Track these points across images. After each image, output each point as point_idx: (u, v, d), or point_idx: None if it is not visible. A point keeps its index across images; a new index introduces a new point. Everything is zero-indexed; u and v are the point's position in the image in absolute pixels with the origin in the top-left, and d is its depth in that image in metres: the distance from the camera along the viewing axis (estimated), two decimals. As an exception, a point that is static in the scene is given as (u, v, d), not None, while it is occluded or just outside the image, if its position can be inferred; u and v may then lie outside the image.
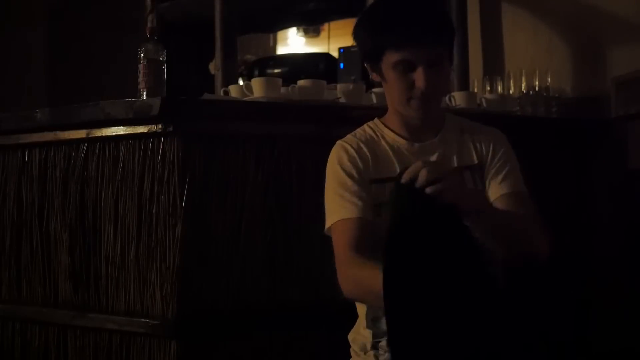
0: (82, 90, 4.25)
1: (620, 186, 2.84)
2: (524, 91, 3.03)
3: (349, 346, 1.92)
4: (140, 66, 2.35)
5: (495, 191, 1.89)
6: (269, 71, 4.58)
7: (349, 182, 1.85)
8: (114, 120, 2.25)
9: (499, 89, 3.07)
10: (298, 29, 5.96)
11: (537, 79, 3.04)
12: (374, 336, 1.85)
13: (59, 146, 2.43)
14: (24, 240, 2.51)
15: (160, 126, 2.18)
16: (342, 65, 4.38)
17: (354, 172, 1.87)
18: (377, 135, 1.94)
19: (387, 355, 1.80)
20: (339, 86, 2.58)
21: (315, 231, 2.27)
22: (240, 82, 3.88)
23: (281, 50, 6.14)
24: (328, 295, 2.26)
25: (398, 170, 1.83)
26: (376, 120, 1.99)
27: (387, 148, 1.91)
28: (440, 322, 1.54)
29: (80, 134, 2.36)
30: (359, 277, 1.74)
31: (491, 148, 1.94)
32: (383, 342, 1.82)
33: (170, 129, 2.17)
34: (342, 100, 2.50)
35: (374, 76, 1.94)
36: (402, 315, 1.56)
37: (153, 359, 2.20)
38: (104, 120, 2.26)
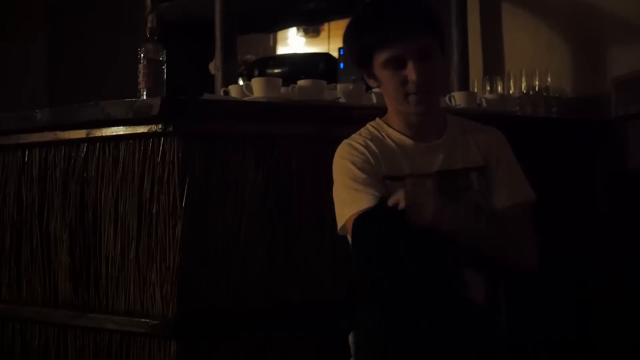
0: (82, 90, 4.25)
1: (620, 186, 2.84)
2: (524, 91, 3.03)
3: (349, 346, 1.92)
4: (140, 66, 2.35)
5: (500, 200, 1.90)
6: (269, 71, 4.58)
7: (362, 175, 1.84)
8: (114, 120, 2.25)
9: (499, 89, 3.06)
10: (298, 29, 5.97)
11: (537, 79, 3.03)
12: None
13: (59, 146, 2.43)
14: (24, 240, 2.51)
15: (160, 126, 2.18)
16: (342, 65, 4.38)
17: (366, 166, 1.86)
18: (381, 134, 1.94)
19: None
20: (339, 86, 2.58)
21: (315, 231, 2.28)
22: (240, 82, 3.87)
23: (281, 50, 6.14)
24: (328, 295, 2.26)
25: (407, 169, 1.85)
26: (378, 120, 1.99)
27: (394, 146, 1.91)
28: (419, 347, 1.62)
29: (80, 134, 2.36)
30: None
31: (495, 151, 1.94)
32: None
33: (170, 129, 2.17)
34: (342, 100, 2.50)
35: (370, 82, 1.95)
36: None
37: (153, 359, 2.20)
38: (104, 120, 2.26)
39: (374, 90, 2.53)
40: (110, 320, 2.28)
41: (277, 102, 2.37)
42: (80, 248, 2.37)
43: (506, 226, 1.85)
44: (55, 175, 2.44)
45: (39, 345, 2.46)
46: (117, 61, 4.17)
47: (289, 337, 2.27)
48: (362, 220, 1.75)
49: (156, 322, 2.18)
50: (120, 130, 2.27)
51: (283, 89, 2.45)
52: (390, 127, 1.95)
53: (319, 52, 5.34)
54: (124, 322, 2.25)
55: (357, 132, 1.96)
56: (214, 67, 3.70)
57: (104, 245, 2.32)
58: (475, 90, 3.15)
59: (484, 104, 2.76)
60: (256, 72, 4.55)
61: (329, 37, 5.82)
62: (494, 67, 3.43)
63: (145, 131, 2.21)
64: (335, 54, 4.74)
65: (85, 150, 2.36)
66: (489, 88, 3.08)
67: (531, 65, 3.09)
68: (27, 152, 2.51)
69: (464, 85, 3.35)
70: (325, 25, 5.81)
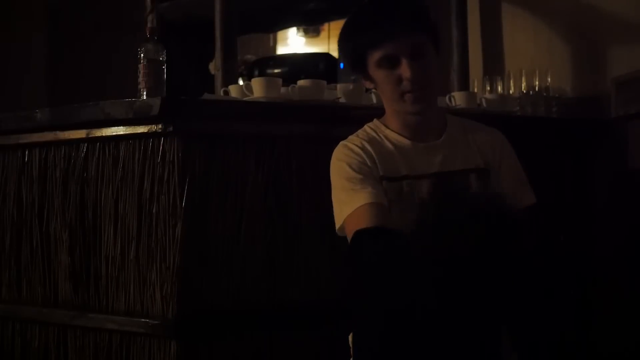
0: (82, 90, 4.25)
1: (620, 186, 2.84)
2: (524, 91, 3.03)
3: (349, 346, 1.92)
4: (140, 66, 2.35)
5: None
6: (269, 71, 4.58)
7: (358, 176, 1.83)
8: (114, 120, 2.25)
9: (499, 89, 3.07)
10: (298, 29, 5.97)
11: (537, 79, 3.03)
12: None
13: (59, 146, 2.43)
14: (24, 240, 2.51)
15: (160, 126, 2.18)
16: (342, 65, 4.37)
17: (362, 167, 1.86)
18: (379, 135, 1.94)
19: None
20: (339, 86, 2.58)
21: (315, 231, 2.28)
22: (240, 82, 3.88)
23: (281, 50, 6.14)
24: (328, 295, 2.26)
25: (404, 170, 1.84)
26: (376, 121, 1.99)
27: (392, 147, 1.91)
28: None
29: (80, 134, 2.36)
30: None
31: (497, 154, 1.94)
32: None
33: (170, 129, 2.17)
34: (342, 100, 2.50)
35: (366, 84, 1.96)
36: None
37: (153, 359, 2.20)
38: (104, 120, 2.26)
39: (374, 90, 2.53)
40: (110, 320, 2.28)
41: (277, 102, 2.37)
42: (80, 248, 2.37)
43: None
44: (55, 175, 2.44)
45: (39, 345, 2.46)
46: (117, 61, 4.17)
47: (289, 337, 2.27)
48: (363, 235, 1.71)
49: (156, 322, 2.19)
50: (120, 130, 2.27)
51: (283, 89, 2.45)
52: (388, 128, 1.95)
53: (319, 52, 5.35)
54: (124, 322, 2.25)
55: (354, 134, 1.96)
56: (214, 67, 3.70)
57: (104, 245, 2.32)
58: (475, 90, 3.15)
59: (484, 104, 2.76)
60: (256, 72, 4.55)
61: (329, 37, 5.82)
62: (494, 67, 3.43)
63: (145, 131, 2.21)
64: (335, 54, 4.74)
65: (85, 150, 2.36)
66: (489, 88, 3.08)
67: (531, 65, 3.10)
68: (27, 152, 2.51)
69: (464, 85, 3.36)
70: (325, 25, 5.82)
